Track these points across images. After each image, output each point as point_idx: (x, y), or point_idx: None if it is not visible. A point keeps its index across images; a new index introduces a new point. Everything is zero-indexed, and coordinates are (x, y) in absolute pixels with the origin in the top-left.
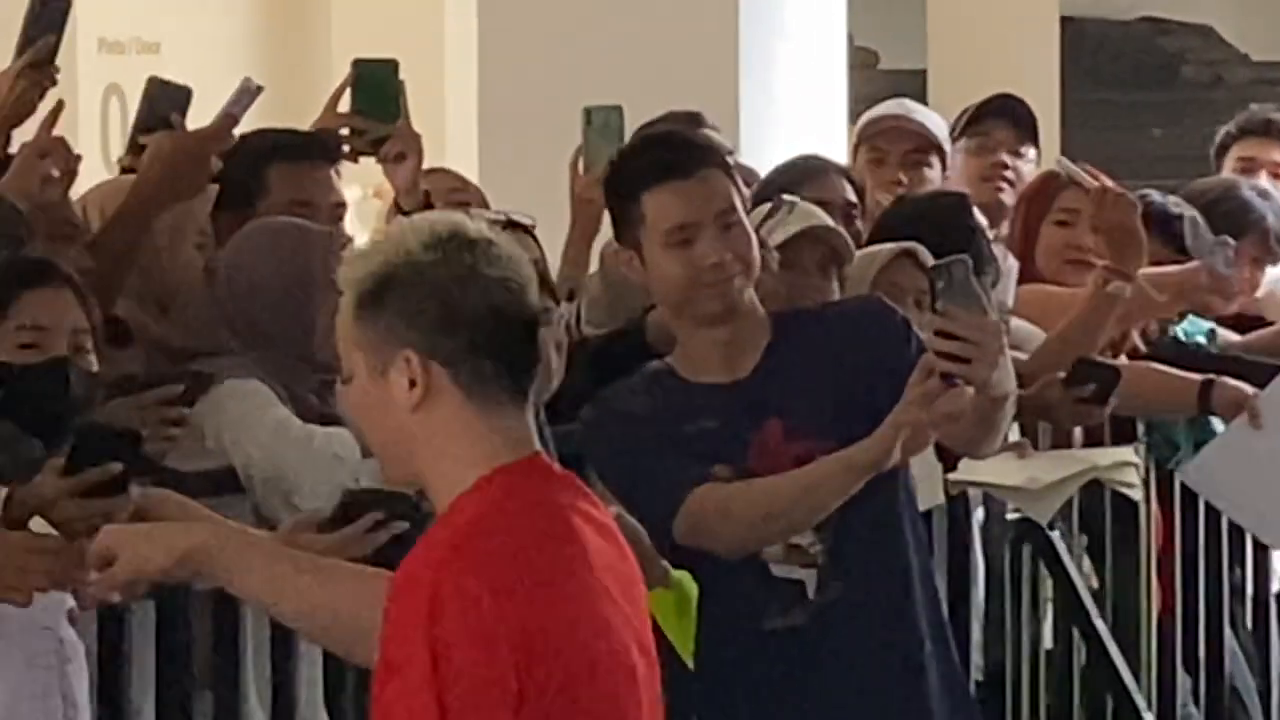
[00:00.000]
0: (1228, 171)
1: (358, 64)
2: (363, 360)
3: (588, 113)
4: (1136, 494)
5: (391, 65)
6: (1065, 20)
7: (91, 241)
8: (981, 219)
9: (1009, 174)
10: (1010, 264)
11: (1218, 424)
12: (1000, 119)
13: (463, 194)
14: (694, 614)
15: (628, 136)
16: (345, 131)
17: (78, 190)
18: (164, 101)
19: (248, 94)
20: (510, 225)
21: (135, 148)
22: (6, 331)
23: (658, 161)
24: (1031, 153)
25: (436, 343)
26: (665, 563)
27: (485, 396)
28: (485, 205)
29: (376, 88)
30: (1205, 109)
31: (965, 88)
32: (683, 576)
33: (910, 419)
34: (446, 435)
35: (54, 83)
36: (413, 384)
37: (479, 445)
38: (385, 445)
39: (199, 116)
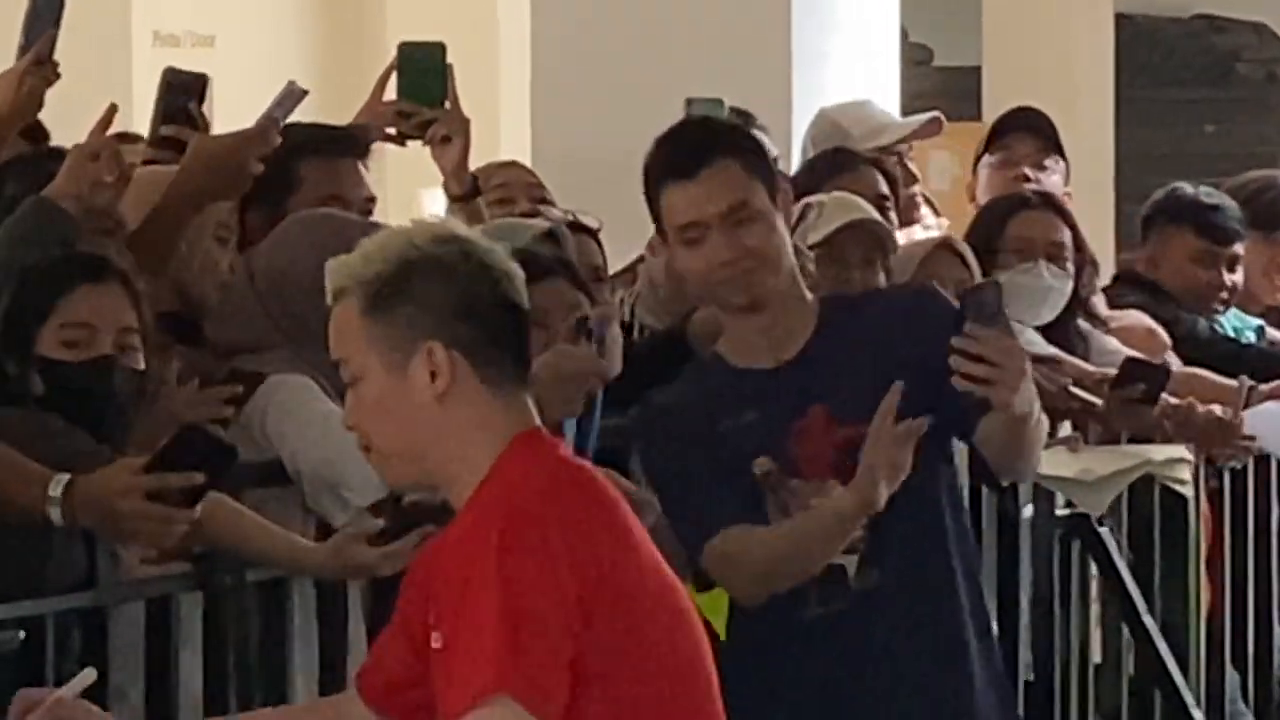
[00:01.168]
0: None
1: (403, 46)
2: (378, 358)
3: (689, 104)
4: (1188, 490)
5: (438, 47)
6: (1120, 17)
7: (129, 239)
8: None
9: (1032, 187)
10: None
11: None
12: (1022, 132)
13: (539, 190)
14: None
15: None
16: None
17: None
18: (180, 91)
19: (291, 97)
20: (575, 227)
21: (156, 139)
22: (53, 327)
23: (666, 160)
24: (1057, 163)
25: (458, 332)
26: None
27: (501, 383)
28: (554, 203)
29: (422, 70)
30: (1260, 106)
31: (1020, 85)
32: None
33: (882, 460)
34: (470, 423)
35: (57, 76)
36: (433, 376)
37: (499, 425)
38: (401, 444)
39: (252, 110)
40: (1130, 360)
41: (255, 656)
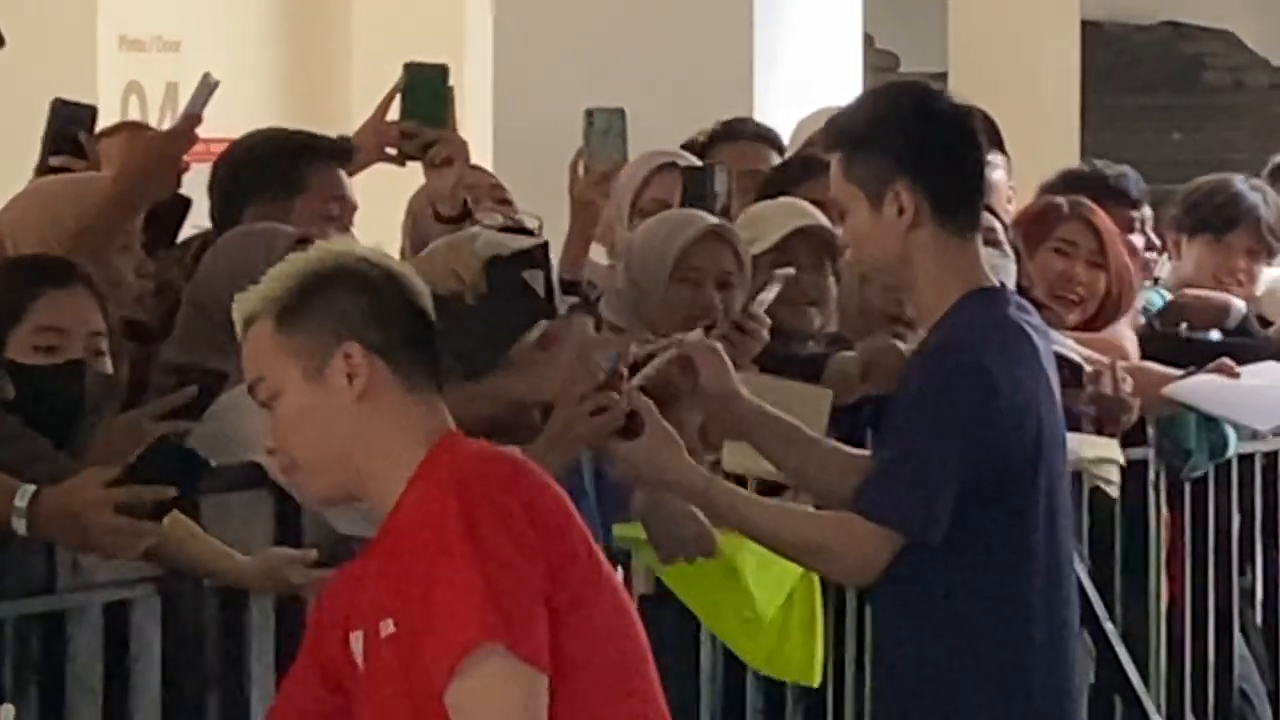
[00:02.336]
0: None
1: (409, 67)
2: (296, 368)
3: (590, 115)
4: (1114, 491)
5: (442, 70)
6: (1086, 24)
7: (64, 250)
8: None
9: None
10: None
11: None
12: None
13: (501, 190)
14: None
15: (631, 140)
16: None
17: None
18: (69, 121)
19: (206, 88)
20: (515, 229)
21: (45, 169)
22: (25, 332)
23: None
24: (998, 158)
25: (372, 335)
26: (715, 534)
27: (419, 385)
28: (514, 204)
29: (427, 92)
30: (1226, 113)
31: (985, 91)
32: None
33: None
34: (388, 422)
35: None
36: (350, 378)
37: (418, 427)
38: (324, 452)
39: (218, 114)
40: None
41: (213, 661)
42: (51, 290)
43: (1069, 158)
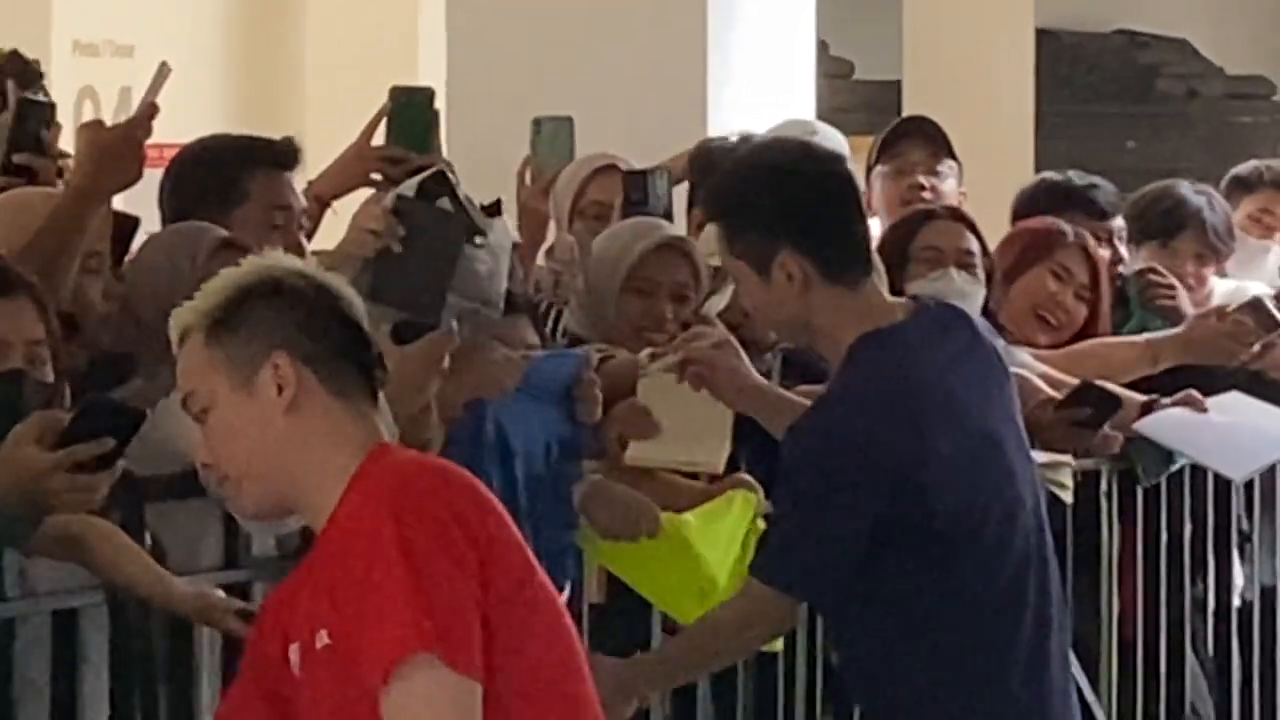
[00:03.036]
0: (1238, 217)
1: (395, 92)
2: (225, 379)
3: (537, 123)
4: (1067, 496)
5: (428, 94)
6: (1041, 32)
7: (27, 246)
8: None
9: (926, 194)
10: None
11: None
12: (913, 139)
13: None
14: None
15: (578, 147)
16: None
17: None
18: (33, 119)
19: (161, 77)
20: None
21: (7, 167)
22: None
23: None
24: (950, 166)
25: (301, 345)
26: (657, 513)
27: (349, 395)
28: None
29: (412, 116)
30: (1180, 122)
31: (940, 99)
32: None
33: None
34: (320, 432)
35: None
36: (279, 389)
37: (350, 438)
38: (255, 464)
39: (172, 118)
40: (1087, 384)
41: (161, 666)
42: None
43: (1023, 165)
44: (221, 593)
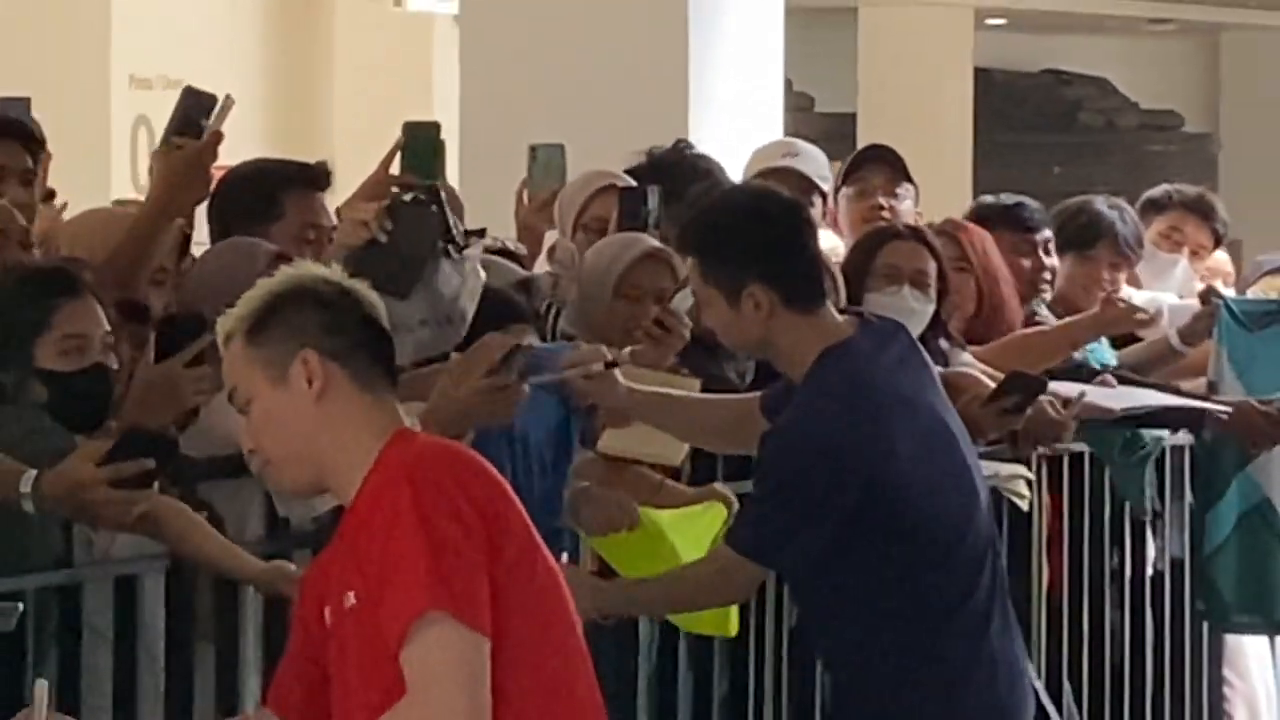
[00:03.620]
0: (1151, 234)
1: (408, 126)
2: (262, 376)
3: (533, 150)
4: (1025, 504)
5: (435, 126)
6: (979, 71)
7: (106, 260)
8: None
9: (885, 213)
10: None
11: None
12: (875, 164)
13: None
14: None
15: (578, 165)
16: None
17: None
18: (195, 109)
19: (225, 109)
20: (505, 253)
21: (166, 146)
22: (50, 341)
23: None
24: (907, 188)
25: (326, 342)
26: (636, 508)
27: (371, 385)
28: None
29: (422, 148)
30: (1100, 150)
31: (890, 129)
32: (659, 517)
33: None
34: (346, 418)
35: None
36: (309, 381)
37: (374, 424)
38: (290, 448)
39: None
40: (1013, 373)
41: (211, 628)
42: (69, 301)
43: (963, 186)
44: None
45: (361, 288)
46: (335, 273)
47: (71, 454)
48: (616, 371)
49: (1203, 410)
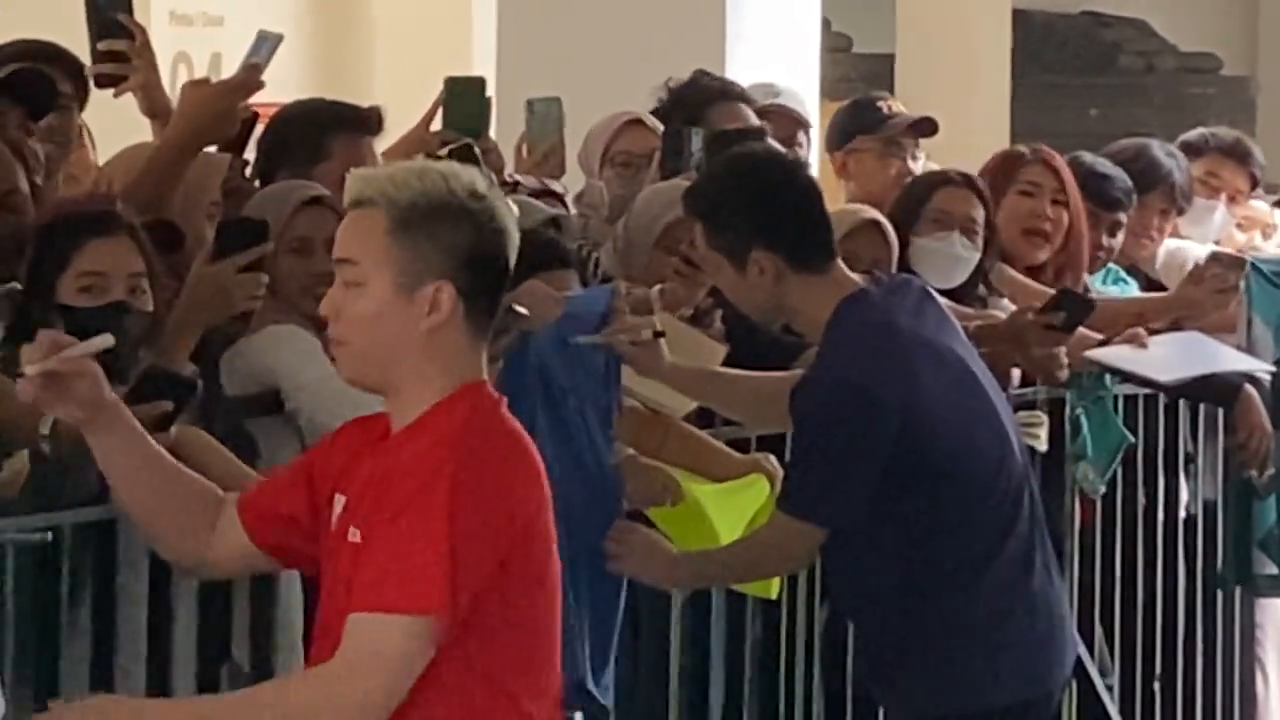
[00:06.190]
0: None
1: (450, 81)
2: (391, 277)
3: (530, 104)
4: (1041, 445)
5: (479, 82)
6: (1017, 12)
7: (124, 191)
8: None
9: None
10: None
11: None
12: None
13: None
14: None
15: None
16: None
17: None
18: (107, 6)
19: (268, 44)
20: (545, 193)
21: (96, 55)
22: (70, 277)
23: None
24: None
25: (465, 277)
26: (679, 484)
27: (478, 329)
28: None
29: (466, 103)
30: (1138, 93)
31: (928, 71)
32: (701, 491)
33: None
34: (442, 354)
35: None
36: (431, 309)
37: (463, 368)
38: (377, 353)
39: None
40: (1062, 290)
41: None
42: (94, 239)
43: (1000, 129)
44: None
45: (513, 221)
46: (498, 198)
47: None
48: (662, 341)
49: (1239, 384)
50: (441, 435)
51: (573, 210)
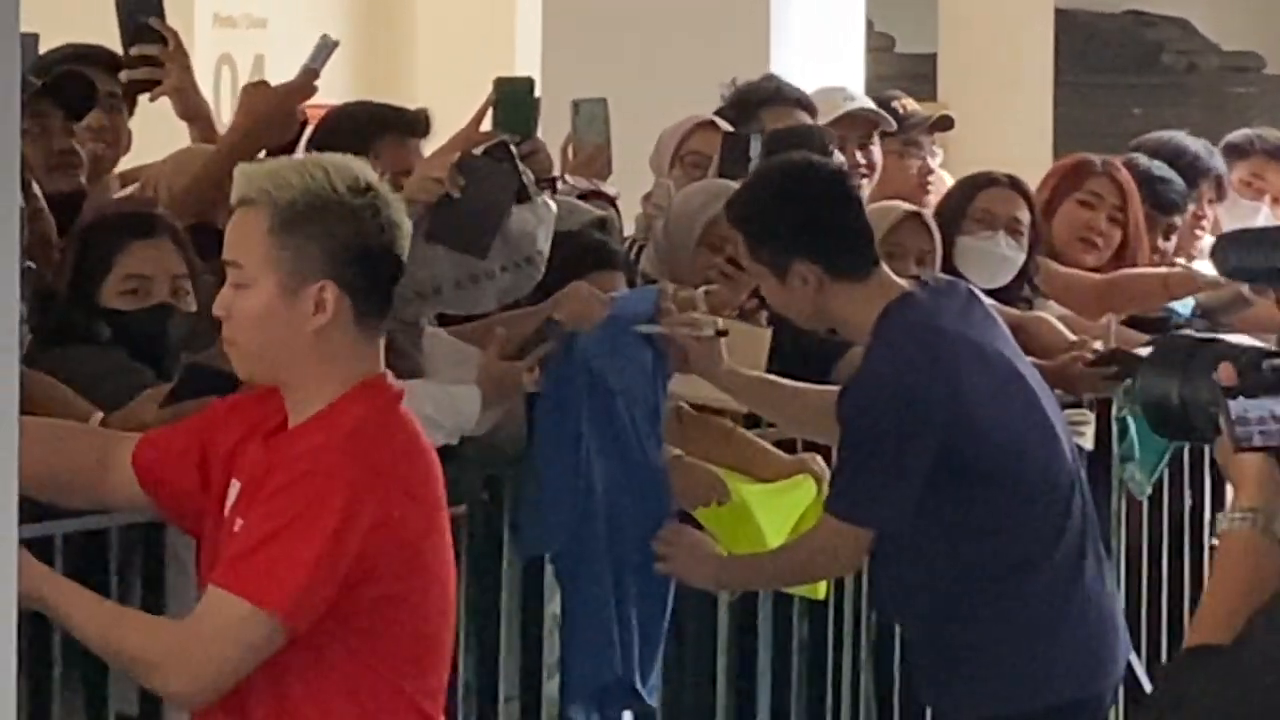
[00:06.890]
0: (1232, 180)
1: (499, 82)
2: (274, 278)
3: (576, 105)
4: (1088, 444)
5: (528, 82)
6: (1060, 12)
7: (181, 193)
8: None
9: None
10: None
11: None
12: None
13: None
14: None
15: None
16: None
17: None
18: (137, 10)
19: (325, 49)
20: (596, 195)
21: (130, 61)
22: (114, 280)
23: None
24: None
25: (350, 274)
26: (725, 484)
27: (369, 324)
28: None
29: (515, 104)
30: (1180, 91)
31: (971, 71)
32: (748, 491)
33: None
34: (331, 356)
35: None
36: (316, 309)
37: (358, 363)
38: (266, 353)
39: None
40: (1118, 351)
41: None
42: (136, 242)
43: (1043, 128)
44: None
45: (401, 212)
46: (384, 190)
47: (139, 396)
48: (722, 342)
49: None
50: (335, 436)
51: (639, 209)
